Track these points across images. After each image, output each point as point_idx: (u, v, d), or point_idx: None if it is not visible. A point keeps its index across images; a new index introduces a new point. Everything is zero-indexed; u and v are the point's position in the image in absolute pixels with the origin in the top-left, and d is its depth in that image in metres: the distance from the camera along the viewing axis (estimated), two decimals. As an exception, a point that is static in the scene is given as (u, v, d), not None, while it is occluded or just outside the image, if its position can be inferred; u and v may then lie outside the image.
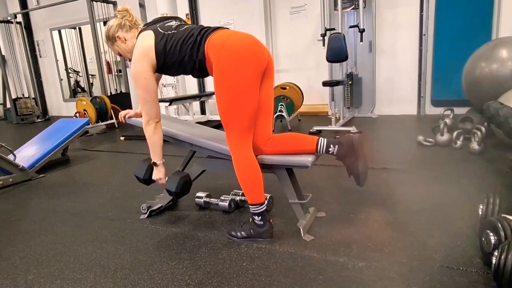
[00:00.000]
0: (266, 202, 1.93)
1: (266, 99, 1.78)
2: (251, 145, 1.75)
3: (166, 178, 1.97)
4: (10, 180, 3.13)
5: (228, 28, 1.73)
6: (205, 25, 1.76)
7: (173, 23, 1.78)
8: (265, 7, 6.01)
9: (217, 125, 5.19)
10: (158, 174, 1.95)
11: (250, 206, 1.77)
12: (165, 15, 1.87)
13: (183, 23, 1.83)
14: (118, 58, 7.11)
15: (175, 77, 5.92)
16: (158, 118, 1.83)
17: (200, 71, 1.73)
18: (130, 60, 1.88)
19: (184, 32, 1.70)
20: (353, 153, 1.76)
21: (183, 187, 1.97)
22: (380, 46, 5.32)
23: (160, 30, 1.72)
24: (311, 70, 5.94)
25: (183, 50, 1.67)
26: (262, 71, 1.67)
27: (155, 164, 1.93)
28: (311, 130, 4.43)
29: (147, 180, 2.02)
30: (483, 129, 3.05)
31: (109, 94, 6.77)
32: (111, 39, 1.88)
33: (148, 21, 1.88)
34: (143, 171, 2.01)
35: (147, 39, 1.71)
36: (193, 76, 1.81)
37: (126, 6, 1.89)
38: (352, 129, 4.28)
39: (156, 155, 1.92)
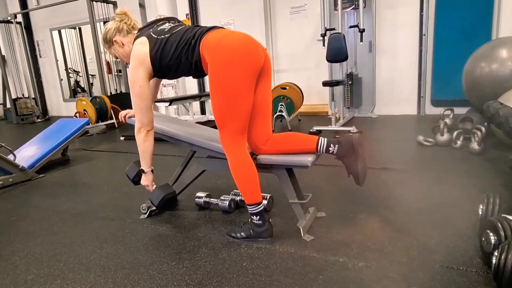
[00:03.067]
0: (264, 201, 1.94)
1: (263, 99, 1.77)
2: (245, 144, 1.75)
3: (154, 186, 2.02)
4: (10, 180, 3.13)
5: (224, 28, 1.72)
6: (201, 25, 1.76)
7: (167, 25, 1.77)
8: (265, 7, 6.01)
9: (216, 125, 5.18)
10: (145, 181, 1.99)
11: (248, 207, 1.76)
12: (159, 17, 1.87)
13: (177, 24, 1.81)
14: (118, 59, 7.11)
15: (175, 77, 5.91)
16: (151, 126, 1.85)
17: (197, 72, 1.73)
18: (127, 64, 1.89)
19: (177, 34, 1.69)
20: (352, 153, 1.76)
21: (166, 203, 2.06)
22: (380, 46, 5.32)
23: (153, 35, 1.72)
24: (311, 70, 5.94)
25: (177, 54, 1.67)
26: (258, 71, 1.66)
27: (143, 171, 1.96)
28: (311, 130, 4.43)
29: (136, 182, 2.07)
30: (483, 129, 3.05)
31: (109, 94, 6.77)
32: (109, 42, 1.89)
33: (148, 21, 1.88)
34: (134, 172, 2.05)
35: (142, 47, 1.71)
36: (192, 76, 1.81)
37: (125, 9, 1.90)
38: (352, 129, 4.28)
39: (145, 163, 1.93)
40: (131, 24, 1.87)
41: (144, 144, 1.86)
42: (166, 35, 1.70)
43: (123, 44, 1.87)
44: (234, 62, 1.58)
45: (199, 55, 1.64)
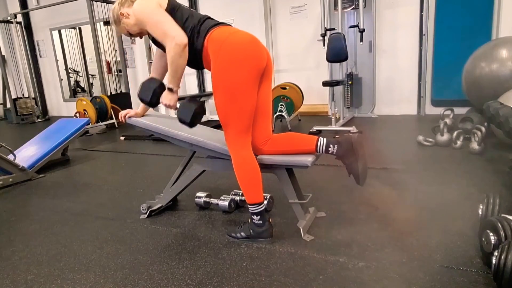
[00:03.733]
0: (265, 202, 1.93)
1: (264, 100, 1.78)
2: (250, 144, 1.75)
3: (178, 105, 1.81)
4: (10, 180, 3.13)
5: (230, 25, 1.73)
6: (210, 16, 1.75)
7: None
8: (265, 7, 6.01)
9: (217, 125, 5.19)
10: (170, 99, 1.76)
11: (249, 206, 1.77)
12: None
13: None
14: (118, 58, 7.11)
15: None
16: (186, 39, 1.61)
17: (195, 61, 1.72)
18: (140, 36, 1.84)
19: (192, 11, 1.71)
20: (352, 153, 1.76)
21: (197, 117, 1.78)
22: (380, 46, 5.32)
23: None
24: (311, 70, 5.94)
25: (187, 25, 1.66)
26: (261, 71, 1.67)
27: (171, 89, 1.74)
28: (311, 130, 4.43)
29: (155, 103, 1.82)
30: (483, 129, 3.05)
31: (109, 94, 6.77)
32: (117, 20, 1.81)
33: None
34: (149, 92, 1.79)
35: None
36: (188, 64, 1.76)
37: None
38: (352, 129, 4.28)
39: (175, 80, 1.71)
40: None
41: (179, 59, 1.63)
42: (182, 5, 1.72)
43: (128, 14, 1.76)
44: (239, 61, 1.58)
45: (202, 45, 1.65)
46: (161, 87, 1.79)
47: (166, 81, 1.81)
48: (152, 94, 1.78)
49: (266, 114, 1.81)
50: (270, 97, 1.82)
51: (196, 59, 1.71)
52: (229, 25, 1.72)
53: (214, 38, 1.62)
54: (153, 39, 1.76)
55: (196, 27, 1.66)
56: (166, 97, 1.77)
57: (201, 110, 1.79)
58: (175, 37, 1.59)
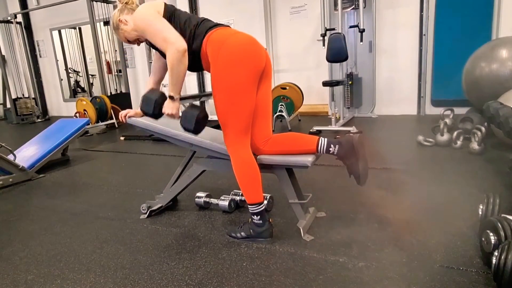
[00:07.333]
0: (265, 201, 1.93)
1: (264, 100, 1.78)
2: (249, 144, 1.75)
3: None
4: (10, 180, 3.13)
5: (229, 26, 1.73)
6: (207, 18, 1.76)
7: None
8: (265, 7, 6.01)
9: (217, 125, 5.18)
10: (173, 108, 1.73)
11: (249, 206, 1.77)
12: None
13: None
14: (118, 58, 7.11)
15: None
16: (184, 43, 1.61)
17: (194, 63, 1.72)
18: (138, 43, 1.85)
19: (189, 15, 1.73)
20: (353, 153, 1.76)
21: (202, 123, 1.76)
22: (380, 46, 5.32)
23: (167, 3, 1.73)
24: (311, 70, 5.93)
25: (184, 29, 1.67)
26: (260, 72, 1.68)
27: (172, 97, 1.71)
28: (311, 130, 4.43)
29: (157, 115, 1.79)
30: (483, 129, 3.05)
31: (109, 94, 6.77)
32: (116, 27, 1.82)
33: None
34: (151, 104, 1.76)
35: (157, 2, 1.70)
36: (188, 68, 1.79)
37: None
38: (352, 129, 4.28)
39: (176, 88, 1.69)
40: (134, 3, 1.82)
41: (180, 66, 1.62)
42: (180, 10, 1.73)
43: (127, 21, 1.77)
44: (238, 62, 1.59)
45: (200, 47, 1.66)
46: (163, 97, 1.77)
47: (166, 89, 1.80)
48: (154, 106, 1.75)
49: (266, 114, 1.81)
50: (270, 97, 1.82)
51: (195, 62, 1.71)
52: (227, 26, 1.72)
53: (213, 39, 1.63)
54: (151, 43, 1.76)
55: (194, 30, 1.67)
56: (168, 106, 1.74)
57: (204, 116, 1.76)
58: (175, 43, 1.58)
